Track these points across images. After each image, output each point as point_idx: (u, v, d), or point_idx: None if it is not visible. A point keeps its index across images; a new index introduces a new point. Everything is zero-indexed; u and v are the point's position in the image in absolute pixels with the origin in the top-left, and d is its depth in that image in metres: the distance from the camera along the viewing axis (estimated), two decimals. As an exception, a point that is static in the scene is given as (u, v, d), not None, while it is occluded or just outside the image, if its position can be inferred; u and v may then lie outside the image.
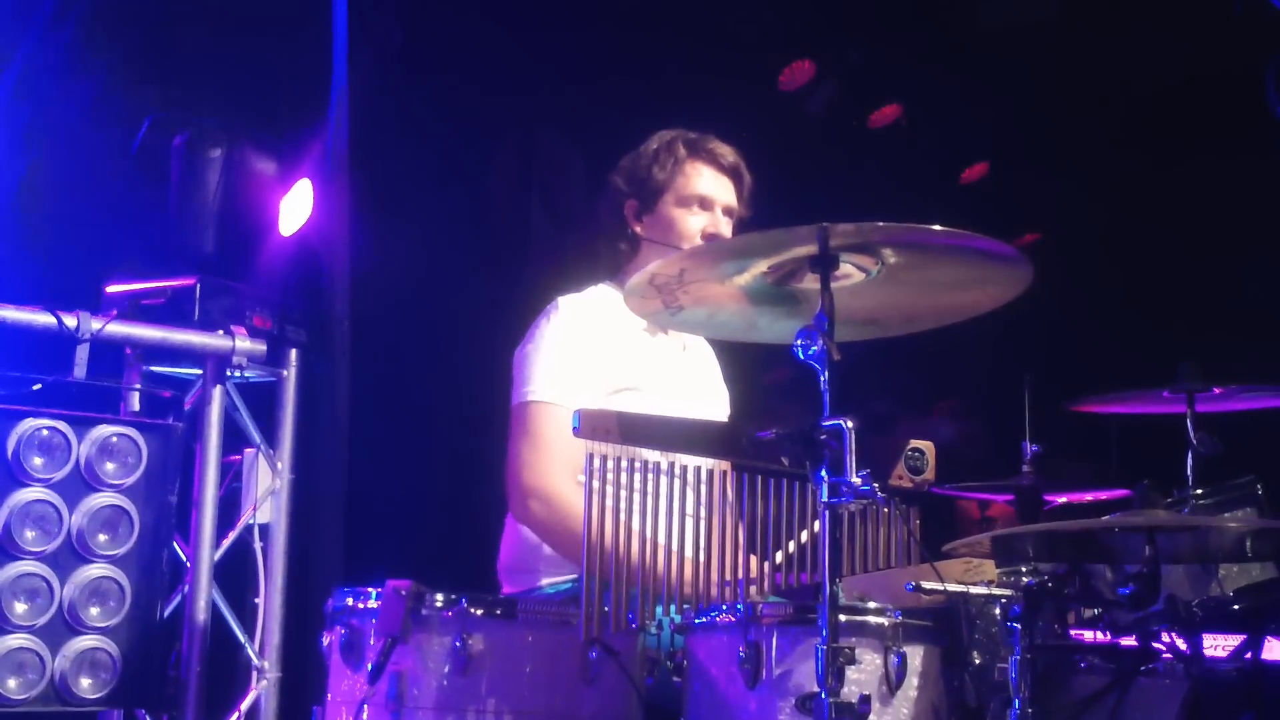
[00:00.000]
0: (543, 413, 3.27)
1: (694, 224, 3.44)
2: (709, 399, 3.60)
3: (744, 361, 3.80)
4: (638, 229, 3.49)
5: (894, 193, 5.89)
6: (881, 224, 2.44)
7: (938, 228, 2.44)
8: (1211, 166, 5.61)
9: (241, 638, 4.07)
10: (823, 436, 2.45)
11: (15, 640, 3.50)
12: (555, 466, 3.24)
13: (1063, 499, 4.15)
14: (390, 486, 4.91)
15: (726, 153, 3.51)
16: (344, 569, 4.76)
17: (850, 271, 2.58)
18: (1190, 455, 3.54)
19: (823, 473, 2.44)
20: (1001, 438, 4.24)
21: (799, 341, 2.50)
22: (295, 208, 4.58)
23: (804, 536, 2.63)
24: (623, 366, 3.36)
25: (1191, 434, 3.58)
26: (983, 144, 6.45)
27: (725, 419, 3.60)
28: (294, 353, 4.27)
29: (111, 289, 3.98)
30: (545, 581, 3.34)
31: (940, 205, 6.17)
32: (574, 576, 3.27)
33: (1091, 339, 5.89)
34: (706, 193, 3.48)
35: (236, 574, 4.11)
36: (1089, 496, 4.15)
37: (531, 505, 3.25)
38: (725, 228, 3.49)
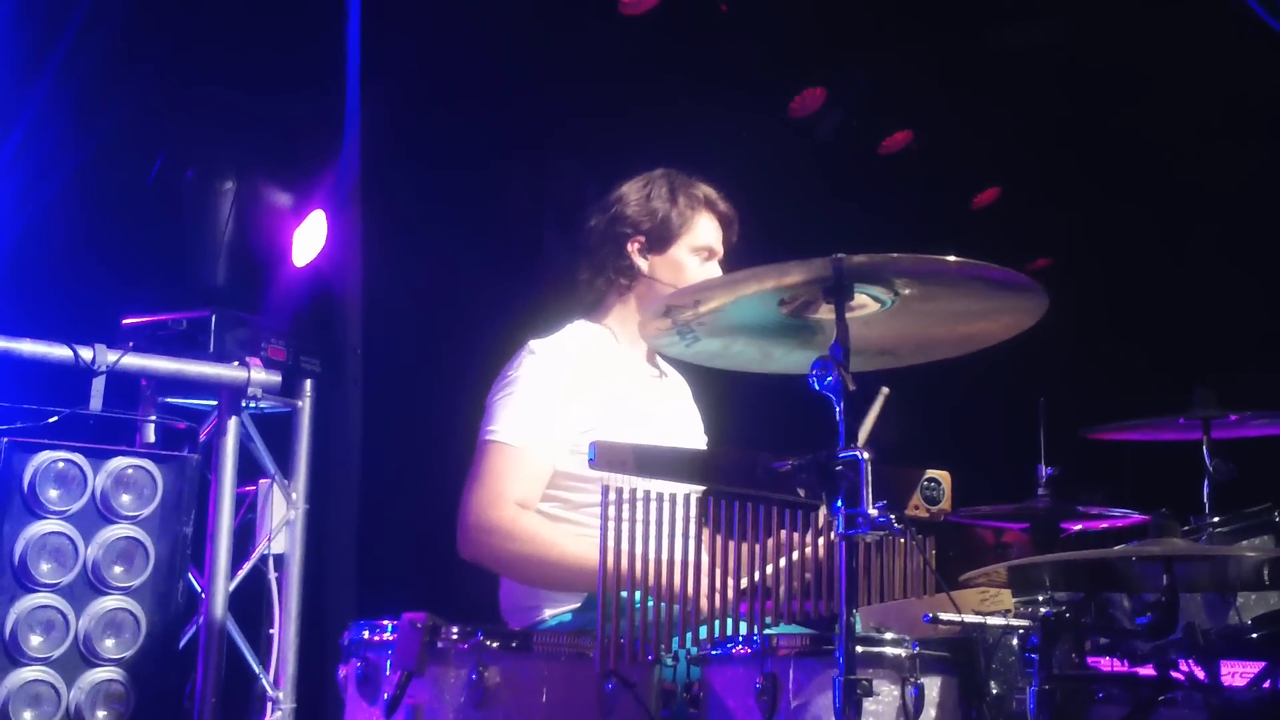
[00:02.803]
0: (496, 452, 3.30)
1: (699, 271, 3.51)
2: (685, 430, 3.61)
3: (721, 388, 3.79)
4: (643, 266, 3.51)
5: (905, 219, 5.90)
6: (896, 255, 2.45)
7: (953, 258, 2.44)
8: (1226, 190, 5.62)
9: (256, 669, 4.07)
10: (839, 467, 2.44)
11: (30, 673, 3.50)
12: (502, 500, 3.25)
13: (1078, 527, 4.14)
14: (403, 516, 4.91)
15: (727, 207, 3.59)
16: (357, 599, 4.75)
17: (865, 302, 2.58)
18: (1206, 482, 3.53)
19: (839, 504, 2.44)
20: (1016, 465, 4.22)
21: (814, 372, 2.50)
22: (309, 238, 4.60)
23: (769, 570, 2.63)
24: (593, 405, 3.37)
25: (1207, 461, 3.57)
26: (994, 169, 6.46)
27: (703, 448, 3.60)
28: (308, 383, 4.29)
29: (127, 322, 4.00)
30: (548, 613, 3.34)
31: (952, 231, 6.19)
32: (574, 607, 3.29)
33: (1104, 365, 5.89)
34: (712, 244, 3.56)
35: (251, 605, 4.11)
36: (1104, 524, 4.14)
37: (477, 539, 3.25)
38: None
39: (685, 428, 3.64)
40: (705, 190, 3.58)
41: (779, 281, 2.54)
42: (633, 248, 3.52)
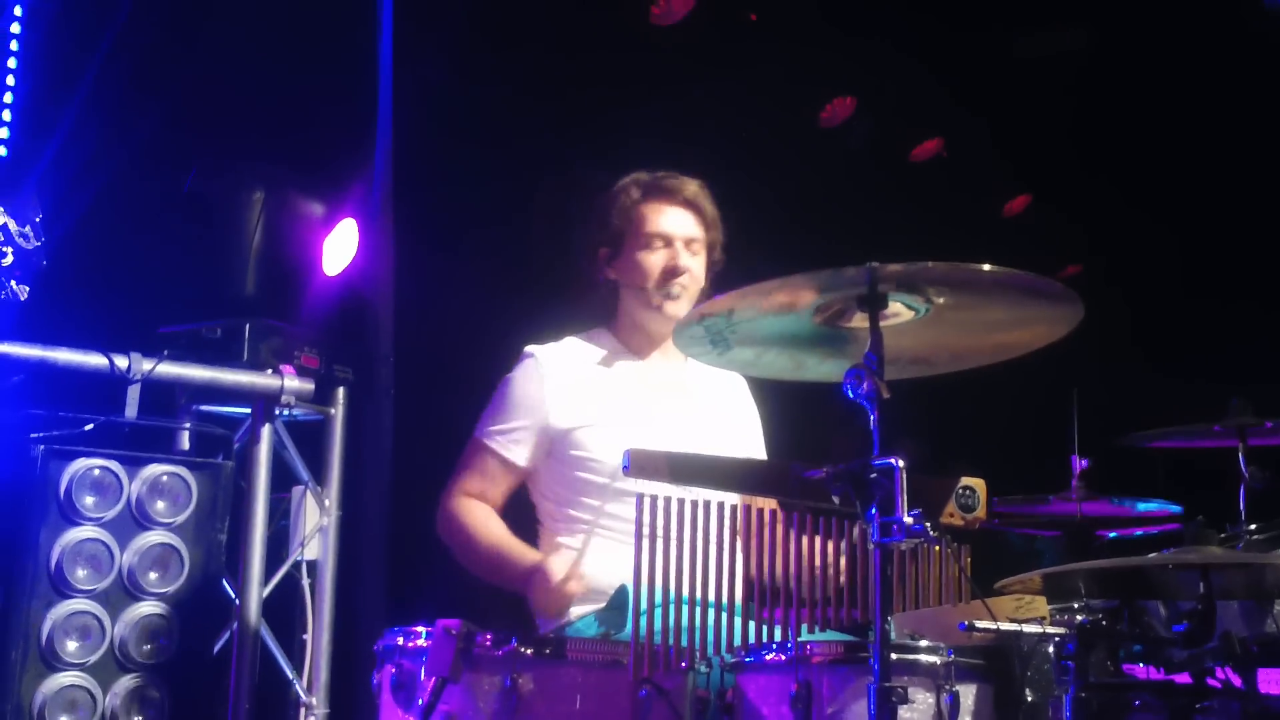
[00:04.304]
0: (470, 447, 3.51)
1: (655, 261, 3.47)
2: (706, 431, 3.52)
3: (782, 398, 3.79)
4: (611, 274, 3.55)
5: (936, 227, 5.88)
6: (930, 263, 2.44)
7: (987, 267, 2.43)
8: (1264, 195, 5.58)
9: (290, 675, 4.08)
10: (873, 476, 2.44)
11: (67, 678, 3.53)
12: (458, 491, 3.48)
13: (1112, 533, 4.12)
14: (433, 523, 4.92)
15: (681, 186, 3.52)
16: (388, 606, 4.76)
17: (899, 310, 2.57)
18: (1243, 489, 3.51)
19: (874, 512, 2.44)
20: (1050, 469, 4.20)
21: (848, 381, 2.50)
22: (339, 247, 4.63)
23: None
24: (585, 407, 3.44)
25: (1244, 468, 3.55)
26: (1025, 176, 6.44)
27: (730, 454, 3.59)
28: (341, 391, 4.31)
29: (163, 330, 4.03)
30: (574, 613, 3.35)
31: (983, 239, 6.17)
32: (597, 607, 3.27)
33: (1138, 373, 5.85)
34: (665, 229, 3.49)
35: (285, 611, 4.13)
36: (1139, 530, 4.12)
37: (439, 524, 3.51)
38: (688, 259, 3.50)
39: (707, 429, 3.56)
40: (644, 179, 3.52)
41: (813, 290, 2.54)
42: (601, 259, 3.57)
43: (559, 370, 3.49)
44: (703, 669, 2.81)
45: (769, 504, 2.68)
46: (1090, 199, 6.27)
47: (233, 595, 3.94)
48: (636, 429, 3.39)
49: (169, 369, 3.82)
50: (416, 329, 4.87)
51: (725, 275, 3.53)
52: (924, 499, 2.46)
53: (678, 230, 3.49)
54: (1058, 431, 4.08)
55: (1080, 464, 3.94)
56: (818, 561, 2.66)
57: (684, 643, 2.58)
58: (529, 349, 3.55)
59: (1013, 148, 6.24)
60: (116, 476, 3.62)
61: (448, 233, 5.01)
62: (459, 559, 3.50)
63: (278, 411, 4.02)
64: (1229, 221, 5.89)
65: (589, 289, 3.62)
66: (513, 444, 3.45)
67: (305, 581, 4.17)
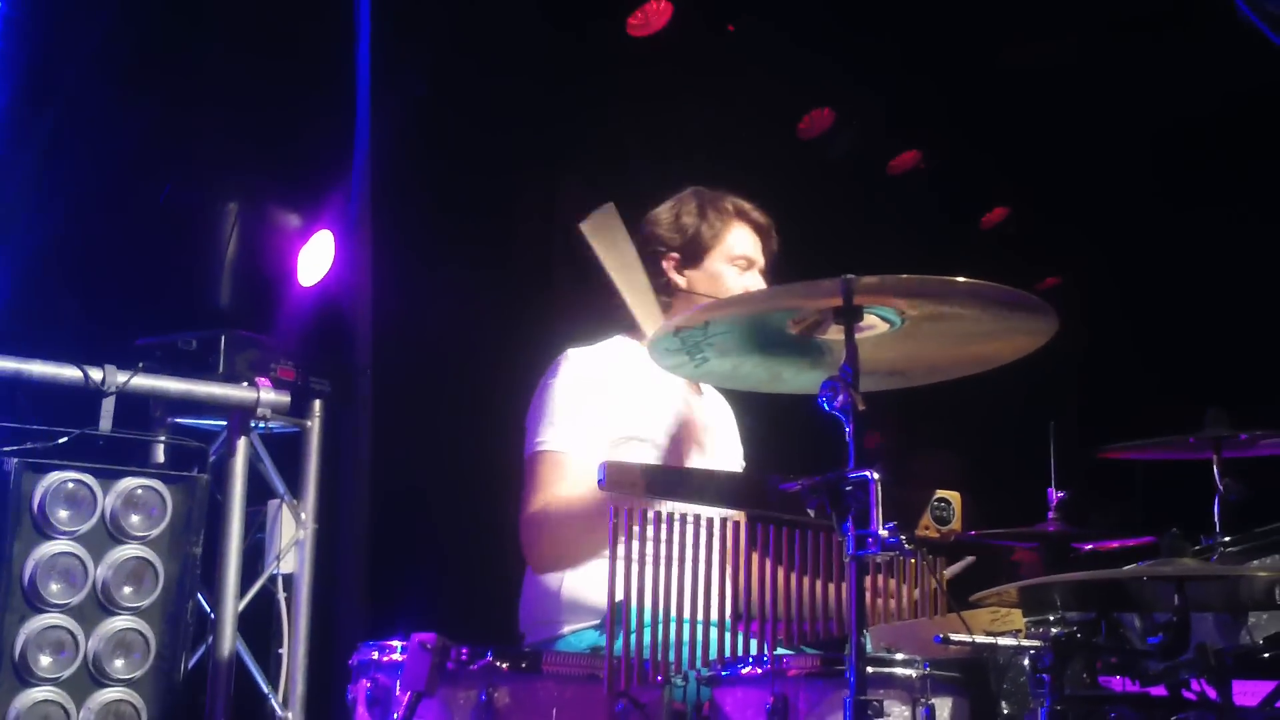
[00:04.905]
0: (542, 461, 3.34)
1: (738, 281, 3.56)
2: (721, 452, 3.62)
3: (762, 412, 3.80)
4: (680, 282, 3.56)
5: (915, 238, 5.90)
6: (905, 276, 2.44)
7: (961, 279, 2.44)
8: (1236, 208, 5.61)
9: (266, 689, 4.06)
10: (849, 488, 2.44)
11: (40, 693, 3.50)
12: (540, 502, 3.28)
13: (1089, 546, 4.12)
14: (411, 536, 4.91)
15: (762, 218, 3.64)
16: (365, 619, 4.75)
17: (875, 323, 2.58)
18: (1217, 502, 3.52)
19: (849, 524, 2.44)
20: (1027, 484, 4.21)
21: (824, 393, 2.50)
22: (315, 258, 4.62)
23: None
24: (628, 416, 3.39)
25: (1219, 481, 3.56)
26: (1002, 189, 6.46)
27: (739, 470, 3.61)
28: (318, 403, 4.30)
29: (138, 343, 4.01)
30: (567, 629, 3.34)
31: (961, 250, 6.20)
32: (596, 623, 3.28)
33: (1115, 384, 5.87)
34: (749, 253, 3.61)
35: (261, 625, 4.11)
36: (1115, 544, 4.13)
37: (539, 546, 3.29)
38: (756, 285, 3.59)
39: (724, 448, 3.65)
40: (736, 202, 3.64)
41: (788, 302, 2.55)
42: (668, 265, 3.57)
43: (601, 373, 3.44)
44: (679, 682, 2.81)
45: (743, 516, 2.68)
46: (1070, 212, 6.30)
47: (208, 609, 3.92)
48: (678, 445, 3.39)
49: (143, 382, 3.80)
50: (394, 341, 4.86)
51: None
52: (899, 511, 2.46)
53: (756, 257, 3.61)
54: (1035, 455, 4.09)
55: (1057, 495, 3.95)
56: (793, 576, 2.67)
57: (660, 656, 2.57)
58: (568, 352, 3.49)
59: (991, 159, 6.26)
60: (90, 490, 3.59)
61: (426, 244, 5.00)
62: (579, 547, 3.25)
63: (253, 424, 4.00)
64: (1207, 234, 5.92)
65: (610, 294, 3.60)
66: (580, 440, 3.33)
67: (281, 595, 4.15)
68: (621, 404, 3.40)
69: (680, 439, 3.45)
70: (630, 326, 3.56)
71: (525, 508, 3.32)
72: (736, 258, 3.57)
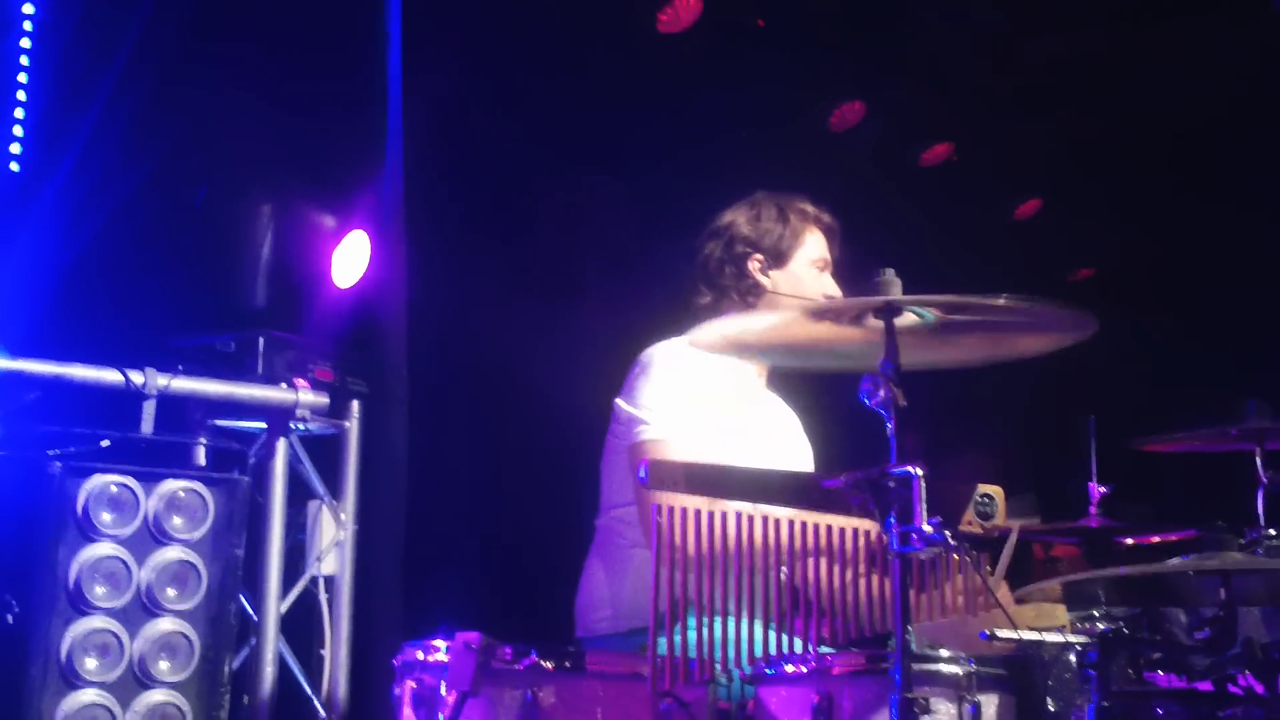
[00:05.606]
0: (653, 449, 3.32)
1: (821, 283, 3.64)
2: (794, 452, 3.66)
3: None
4: (766, 283, 3.61)
5: (948, 231, 5.87)
6: (946, 297, 2.47)
7: (1002, 300, 2.45)
8: (1273, 195, 5.56)
9: (309, 690, 4.08)
10: (891, 484, 2.44)
11: (87, 696, 3.53)
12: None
13: (1130, 540, 4.10)
14: (448, 536, 4.92)
15: (831, 220, 3.73)
16: (405, 619, 4.76)
17: (910, 317, 2.59)
18: (1261, 494, 3.49)
19: (892, 520, 2.43)
20: (1066, 477, 4.19)
21: (864, 388, 2.50)
22: (351, 259, 4.63)
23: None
24: (714, 414, 3.42)
25: (1261, 473, 3.53)
26: (1035, 180, 6.42)
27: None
28: (355, 404, 4.32)
29: (177, 345, 4.03)
30: (625, 627, 3.34)
31: (994, 242, 6.16)
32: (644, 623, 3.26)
33: (1153, 375, 5.84)
34: (825, 256, 3.69)
35: (302, 626, 4.13)
36: (1156, 538, 4.11)
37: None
38: (835, 287, 3.69)
39: (797, 452, 3.69)
40: (808, 206, 3.71)
41: (836, 313, 2.65)
42: (754, 266, 3.61)
43: (694, 368, 3.43)
44: (723, 681, 2.81)
45: (788, 514, 2.68)
46: (1105, 203, 6.25)
47: (250, 611, 3.93)
48: (755, 447, 3.43)
49: (184, 384, 3.82)
50: (429, 340, 4.87)
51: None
52: (942, 507, 2.46)
53: (829, 258, 3.70)
54: (1074, 447, 4.07)
55: (1099, 490, 3.93)
56: (837, 572, 2.66)
57: (704, 655, 2.57)
58: (651, 349, 3.49)
59: (1025, 152, 6.23)
60: (133, 493, 3.62)
61: (459, 242, 5.01)
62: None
63: (293, 425, 4.02)
64: (1245, 223, 5.87)
65: (718, 296, 3.61)
66: (688, 430, 3.33)
67: (323, 596, 4.17)
68: (709, 400, 3.42)
69: (760, 440, 3.50)
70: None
71: (640, 501, 3.29)
72: (816, 260, 3.64)
